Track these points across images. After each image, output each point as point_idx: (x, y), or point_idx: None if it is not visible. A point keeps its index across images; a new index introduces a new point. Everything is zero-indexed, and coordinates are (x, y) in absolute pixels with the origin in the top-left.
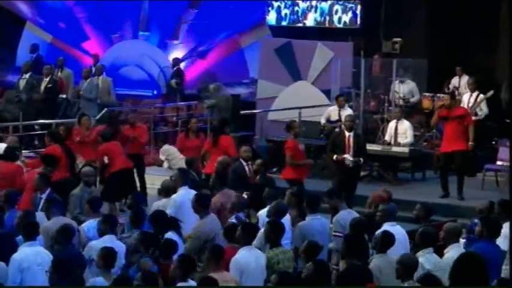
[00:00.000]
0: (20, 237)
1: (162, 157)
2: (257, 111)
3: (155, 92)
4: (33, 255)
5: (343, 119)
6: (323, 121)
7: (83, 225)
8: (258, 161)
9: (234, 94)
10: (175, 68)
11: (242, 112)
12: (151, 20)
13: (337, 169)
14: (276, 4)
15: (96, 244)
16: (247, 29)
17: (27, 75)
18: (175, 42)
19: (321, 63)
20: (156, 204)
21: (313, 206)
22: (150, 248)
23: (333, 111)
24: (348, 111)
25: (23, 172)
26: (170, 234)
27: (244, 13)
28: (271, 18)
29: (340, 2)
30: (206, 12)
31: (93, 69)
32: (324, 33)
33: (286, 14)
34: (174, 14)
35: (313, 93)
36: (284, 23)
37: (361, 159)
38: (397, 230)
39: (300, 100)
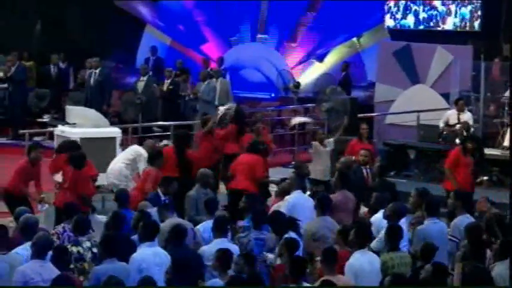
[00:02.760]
0: (135, 237)
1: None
2: (375, 114)
3: (273, 95)
4: (152, 256)
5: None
6: (441, 125)
7: (199, 226)
8: (376, 164)
9: (351, 97)
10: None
11: (360, 115)
12: (270, 23)
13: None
14: (413, 8)
15: (208, 249)
16: (366, 32)
17: (145, 78)
18: (293, 45)
19: (440, 66)
20: (274, 206)
21: (432, 210)
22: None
23: (451, 115)
24: (467, 115)
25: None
26: (291, 234)
27: (363, 16)
28: (409, 21)
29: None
30: (324, 15)
31: None
32: (443, 36)
33: (424, 18)
34: (292, 17)
35: (432, 96)
36: (422, 27)
37: None
38: None
39: (418, 103)
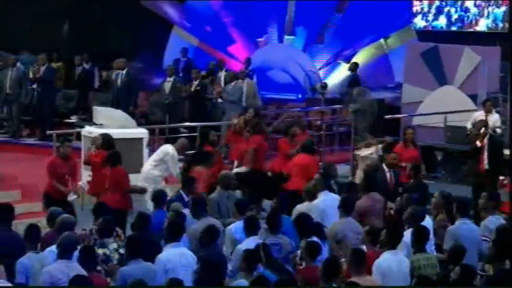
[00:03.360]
0: None
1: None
2: (402, 115)
3: (299, 96)
4: (177, 256)
5: (490, 124)
6: (469, 126)
7: (230, 226)
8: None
9: (378, 98)
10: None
11: (387, 117)
12: (297, 24)
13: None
14: (446, 9)
15: (240, 248)
16: (393, 33)
17: (171, 79)
18: (320, 46)
19: (467, 67)
20: (298, 207)
21: (463, 211)
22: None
23: (479, 117)
24: (495, 117)
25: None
26: (314, 239)
27: (390, 17)
28: (441, 22)
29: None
30: (351, 15)
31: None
32: (470, 37)
33: (456, 19)
34: (320, 18)
35: (459, 98)
36: (454, 28)
37: None
38: None
39: (445, 105)
